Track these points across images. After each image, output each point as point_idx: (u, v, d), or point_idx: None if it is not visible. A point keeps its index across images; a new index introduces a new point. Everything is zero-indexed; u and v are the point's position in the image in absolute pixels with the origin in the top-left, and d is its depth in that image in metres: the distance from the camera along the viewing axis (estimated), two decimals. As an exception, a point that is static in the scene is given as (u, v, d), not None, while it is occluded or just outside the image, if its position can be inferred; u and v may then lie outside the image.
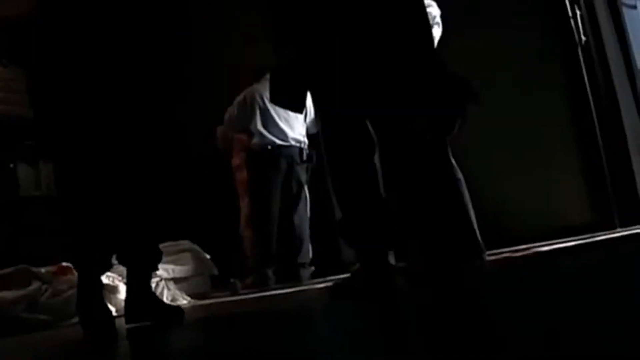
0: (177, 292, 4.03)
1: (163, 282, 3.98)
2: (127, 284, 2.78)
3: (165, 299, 3.89)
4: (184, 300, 3.97)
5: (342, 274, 3.77)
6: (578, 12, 4.12)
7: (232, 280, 4.49)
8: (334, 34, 2.31)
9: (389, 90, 2.25)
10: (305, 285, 4.25)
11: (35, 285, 3.50)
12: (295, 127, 4.77)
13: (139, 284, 2.67)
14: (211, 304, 3.85)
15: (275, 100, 2.65)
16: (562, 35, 4.11)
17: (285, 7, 2.42)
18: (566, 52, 4.10)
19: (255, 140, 4.73)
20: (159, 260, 2.76)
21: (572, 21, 4.08)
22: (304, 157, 4.79)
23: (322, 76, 2.33)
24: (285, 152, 4.73)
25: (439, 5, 3.54)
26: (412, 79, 2.27)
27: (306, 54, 2.37)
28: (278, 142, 4.71)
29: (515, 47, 4.18)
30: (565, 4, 4.11)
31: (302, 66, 2.39)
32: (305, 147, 4.81)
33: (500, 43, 4.21)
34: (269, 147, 4.70)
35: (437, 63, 2.38)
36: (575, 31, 4.08)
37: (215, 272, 4.59)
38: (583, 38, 4.08)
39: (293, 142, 4.76)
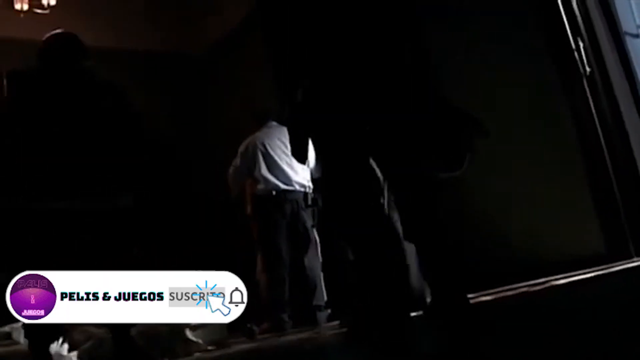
0: (193, 338, 4.00)
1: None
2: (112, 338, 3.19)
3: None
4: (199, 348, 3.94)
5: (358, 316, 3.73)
6: (581, 44, 4.15)
7: (248, 325, 4.46)
8: (336, 73, 2.31)
9: (393, 127, 2.25)
10: (321, 328, 4.21)
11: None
12: (299, 171, 4.78)
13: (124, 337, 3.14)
14: (228, 351, 3.82)
15: (293, 154, 2.57)
16: (567, 68, 4.13)
17: (287, 53, 2.42)
18: (571, 83, 4.12)
19: (260, 186, 4.76)
20: None
21: (575, 53, 4.10)
22: (309, 202, 4.79)
23: (324, 117, 2.31)
24: (289, 197, 4.75)
25: (442, 39, 3.56)
26: (414, 115, 2.27)
27: (308, 95, 2.36)
28: (282, 186, 4.73)
29: (520, 81, 4.20)
30: (568, 37, 4.14)
31: (302, 112, 2.37)
32: (310, 191, 4.82)
33: (505, 77, 4.23)
34: (274, 192, 4.72)
35: (438, 98, 2.36)
36: (579, 63, 4.10)
37: (231, 317, 4.54)
38: (588, 69, 4.10)
39: (297, 187, 4.77)
